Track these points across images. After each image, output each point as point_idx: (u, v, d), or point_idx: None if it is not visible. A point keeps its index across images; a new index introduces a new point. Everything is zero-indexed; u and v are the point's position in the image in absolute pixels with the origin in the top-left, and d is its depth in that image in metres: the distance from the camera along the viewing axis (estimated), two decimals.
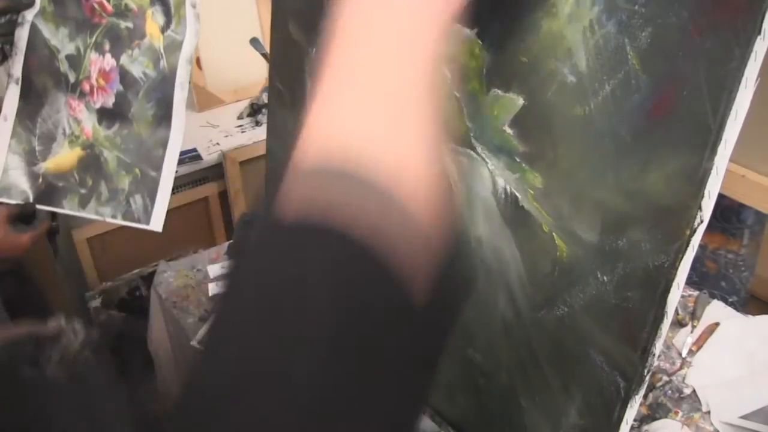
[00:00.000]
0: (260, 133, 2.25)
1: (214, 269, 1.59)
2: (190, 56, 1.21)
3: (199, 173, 2.16)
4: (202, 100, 2.42)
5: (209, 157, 2.15)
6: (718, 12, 0.55)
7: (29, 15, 1.20)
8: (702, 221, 0.60)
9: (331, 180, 0.34)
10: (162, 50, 1.22)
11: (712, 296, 1.43)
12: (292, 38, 1.09)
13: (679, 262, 0.63)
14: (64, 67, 1.25)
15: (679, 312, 1.37)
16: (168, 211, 1.92)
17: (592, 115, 0.67)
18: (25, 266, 2.13)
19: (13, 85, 1.23)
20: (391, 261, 0.33)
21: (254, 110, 2.38)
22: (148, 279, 1.76)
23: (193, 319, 1.46)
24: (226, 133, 2.29)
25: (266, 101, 2.31)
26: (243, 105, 2.44)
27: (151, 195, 1.27)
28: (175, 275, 1.61)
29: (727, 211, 1.78)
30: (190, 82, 1.24)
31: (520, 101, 0.74)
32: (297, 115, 1.13)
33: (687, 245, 0.61)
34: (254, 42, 1.90)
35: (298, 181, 0.35)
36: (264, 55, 1.92)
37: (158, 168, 1.26)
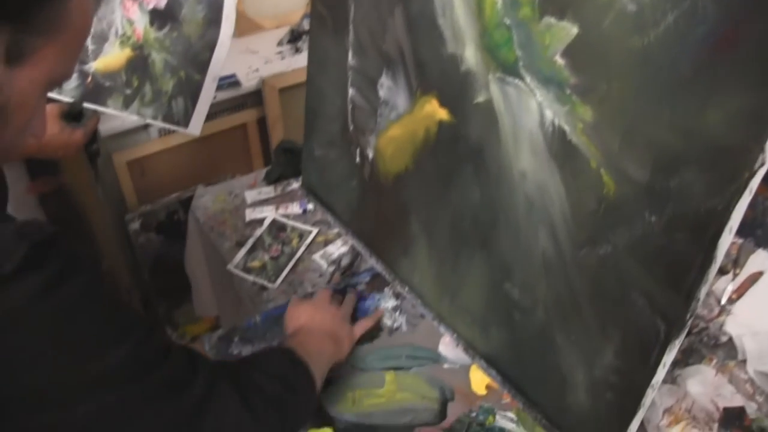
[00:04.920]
0: (300, 60, 2.22)
1: (252, 195, 1.60)
2: None
3: (238, 99, 2.15)
4: (242, 25, 2.38)
5: (248, 83, 2.14)
6: None
7: None
8: (764, 163, 0.57)
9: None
10: None
11: None
12: None
13: (734, 205, 0.60)
14: None
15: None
16: (206, 137, 1.92)
17: (651, 47, 0.63)
18: (67, 188, 2.17)
19: None
20: None
21: (294, 37, 2.35)
22: (186, 203, 1.78)
23: (229, 244, 1.47)
24: (266, 59, 2.27)
25: (306, 28, 2.27)
26: (283, 31, 2.40)
27: (193, 98, 1.29)
28: (213, 200, 1.62)
29: None
30: None
31: (574, 30, 0.70)
32: (340, 41, 1.10)
33: (744, 188, 0.59)
34: None
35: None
36: None
37: (203, 71, 1.28)
